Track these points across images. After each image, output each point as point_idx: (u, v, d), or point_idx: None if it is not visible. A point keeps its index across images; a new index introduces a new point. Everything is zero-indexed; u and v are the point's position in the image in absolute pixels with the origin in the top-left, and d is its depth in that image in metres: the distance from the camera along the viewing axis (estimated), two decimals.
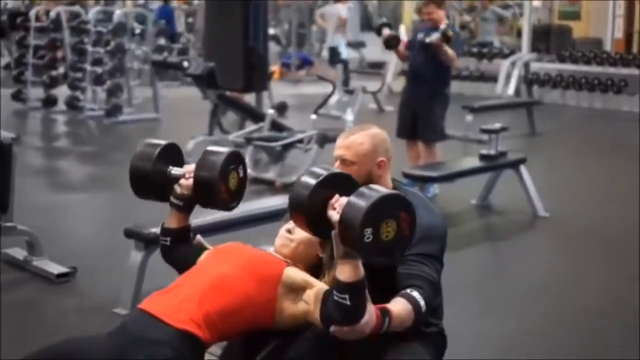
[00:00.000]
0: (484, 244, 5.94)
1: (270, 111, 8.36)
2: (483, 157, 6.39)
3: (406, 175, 5.76)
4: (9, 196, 4.69)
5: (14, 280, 4.73)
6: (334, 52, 13.70)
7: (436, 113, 6.55)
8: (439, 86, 6.51)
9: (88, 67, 10.96)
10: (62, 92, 11.36)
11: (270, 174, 7.34)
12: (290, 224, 2.52)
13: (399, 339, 2.45)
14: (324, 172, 2.24)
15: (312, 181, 2.21)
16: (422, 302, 2.24)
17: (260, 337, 2.39)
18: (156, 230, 4.12)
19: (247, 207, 4.79)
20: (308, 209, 2.19)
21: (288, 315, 2.36)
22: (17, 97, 11.58)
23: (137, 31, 11.62)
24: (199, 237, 2.65)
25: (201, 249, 2.61)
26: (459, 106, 9.95)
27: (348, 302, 2.13)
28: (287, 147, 7.42)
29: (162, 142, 2.61)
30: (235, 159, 2.53)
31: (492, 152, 6.36)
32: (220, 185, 2.47)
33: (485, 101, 10.84)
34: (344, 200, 2.14)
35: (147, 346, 2.18)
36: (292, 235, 2.51)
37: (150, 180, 2.55)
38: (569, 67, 13.31)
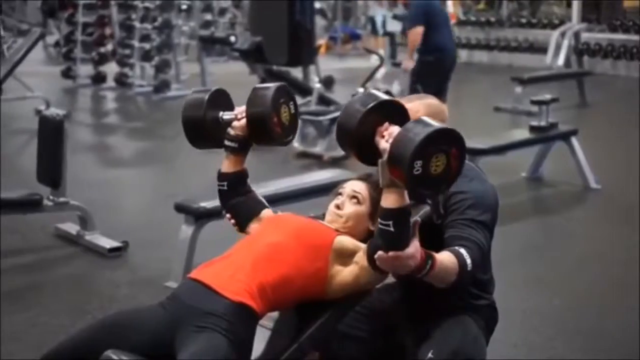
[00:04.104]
0: (534, 216, 5.88)
1: (317, 85, 8.33)
2: (533, 129, 6.30)
3: None
4: (61, 172, 4.77)
5: (67, 254, 4.81)
6: (373, 22, 13.65)
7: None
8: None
9: (136, 43, 11.06)
10: (111, 68, 11.48)
11: (317, 148, 7.34)
12: (339, 200, 2.50)
13: (448, 311, 2.45)
14: (376, 98, 2.18)
15: (362, 108, 2.15)
16: (468, 260, 2.19)
17: (312, 308, 2.39)
18: (206, 204, 4.21)
19: (295, 181, 4.79)
20: (356, 134, 2.15)
21: (338, 283, 2.35)
22: (67, 74, 11.73)
23: (184, 7, 11.65)
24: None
25: (260, 207, 2.56)
26: (508, 78, 9.85)
27: (392, 229, 2.09)
28: (335, 121, 7.39)
29: (210, 88, 2.58)
30: (284, 93, 2.48)
31: (543, 123, 6.27)
32: (273, 119, 2.42)
33: (534, 72, 10.66)
34: (394, 129, 2.09)
35: (201, 316, 2.19)
36: (341, 210, 2.49)
37: (204, 128, 2.51)
38: (620, 36, 13.04)
